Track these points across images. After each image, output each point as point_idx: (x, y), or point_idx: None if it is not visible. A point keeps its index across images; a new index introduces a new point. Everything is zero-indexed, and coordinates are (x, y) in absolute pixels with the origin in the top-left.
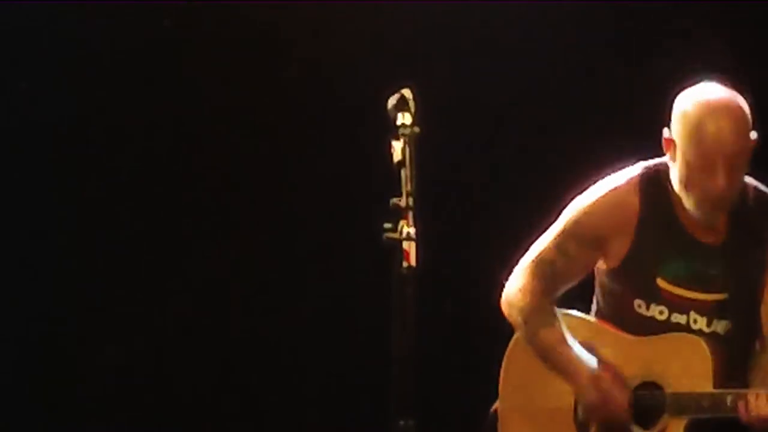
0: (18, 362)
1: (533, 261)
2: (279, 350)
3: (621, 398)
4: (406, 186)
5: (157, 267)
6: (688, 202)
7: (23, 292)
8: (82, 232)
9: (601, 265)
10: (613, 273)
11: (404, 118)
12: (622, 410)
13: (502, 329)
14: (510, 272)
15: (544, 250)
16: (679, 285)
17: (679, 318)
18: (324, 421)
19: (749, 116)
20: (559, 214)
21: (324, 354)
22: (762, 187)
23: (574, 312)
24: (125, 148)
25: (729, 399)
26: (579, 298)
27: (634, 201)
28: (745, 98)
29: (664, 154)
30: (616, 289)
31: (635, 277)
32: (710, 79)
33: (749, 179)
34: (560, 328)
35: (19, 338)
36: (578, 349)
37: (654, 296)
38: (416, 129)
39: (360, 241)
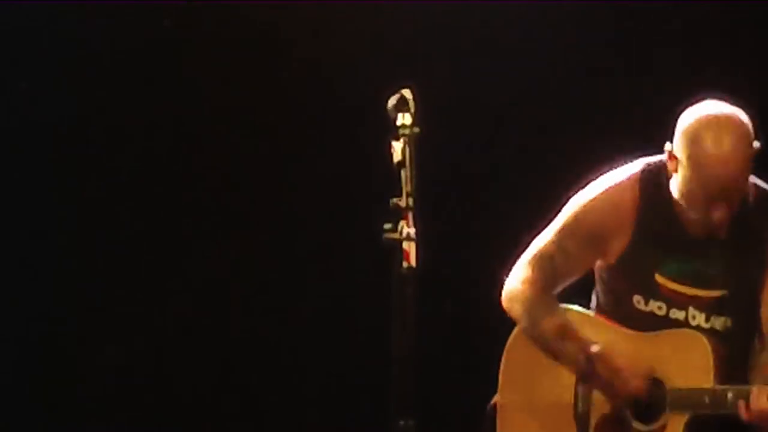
0: (18, 362)
1: (534, 255)
2: (279, 350)
3: (632, 370)
4: (406, 186)
5: (157, 267)
6: (687, 210)
7: (23, 292)
8: (82, 232)
9: (600, 261)
10: (613, 269)
11: (404, 119)
12: (636, 380)
13: (502, 329)
14: (510, 271)
15: (544, 246)
16: (677, 282)
17: (677, 314)
18: (324, 421)
19: (752, 135)
20: (559, 213)
21: (324, 354)
22: (763, 185)
23: (574, 307)
24: (125, 148)
25: (730, 395)
26: (579, 294)
27: (634, 198)
28: (745, 103)
29: (663, 153)
30: (616, 284)
31: (634, 273)
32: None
33: (750, 177)
34: (563, 316)
35: (19, 338)
36: (582, 335)
37: (653, 292)
38: (416, 129)
39: (360, 241)
